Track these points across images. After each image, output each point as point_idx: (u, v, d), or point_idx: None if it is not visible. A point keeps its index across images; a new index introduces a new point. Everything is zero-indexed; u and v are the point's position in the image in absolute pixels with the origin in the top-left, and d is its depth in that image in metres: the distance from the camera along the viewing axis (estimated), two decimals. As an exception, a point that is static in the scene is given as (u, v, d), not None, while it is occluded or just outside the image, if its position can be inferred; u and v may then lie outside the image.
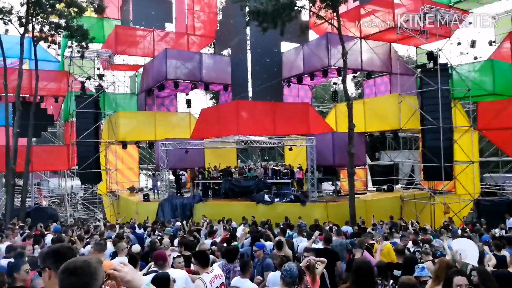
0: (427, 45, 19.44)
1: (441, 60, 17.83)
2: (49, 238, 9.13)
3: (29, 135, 19.71)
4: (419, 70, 18.39)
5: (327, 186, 21.26)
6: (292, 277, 3.81)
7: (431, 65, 17.81)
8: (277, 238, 7.79)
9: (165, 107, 26.87)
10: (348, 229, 12.22)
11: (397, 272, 6.09)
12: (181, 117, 24.46)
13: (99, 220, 19.00)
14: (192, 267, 5.12)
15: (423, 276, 5.17)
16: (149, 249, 7.39)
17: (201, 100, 29.96)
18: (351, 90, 29.39)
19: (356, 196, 16.77)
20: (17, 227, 12.14)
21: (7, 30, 20.78)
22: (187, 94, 25.90)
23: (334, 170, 19.98)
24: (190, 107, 25.43)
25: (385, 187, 20.66)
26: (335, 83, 25.89)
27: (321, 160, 18.61)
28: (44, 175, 28.44)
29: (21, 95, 19.87)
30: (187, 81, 23.25)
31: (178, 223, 10.74)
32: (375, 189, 21.66)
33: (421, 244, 8.05)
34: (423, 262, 6.24)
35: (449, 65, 18.26)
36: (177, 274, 4.32)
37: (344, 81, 17.71)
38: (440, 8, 17.92)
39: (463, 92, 18.56)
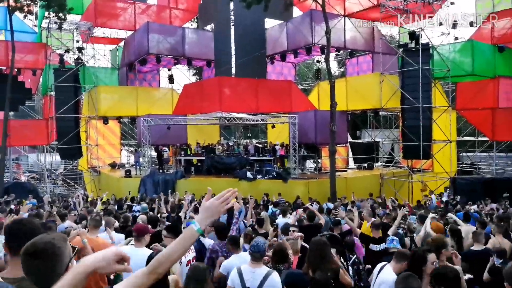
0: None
1: (423, 40, 18.03)
2: (25, 215, 9.01)
3: (6, 108, 19.21)
4: (401, 49, 18.55)
5: (309, 164, 21.58)
6: (260, 251, 3.94)
7: (413, 44, 17.99)
8: (261, 214, 7.94)
9: (147, 82, 26.46)
10: (329, 206, 12.53)
11: (373, 246, 6.30)
12: (164, 92, 24.18)
13: (78, 196, 18.87)
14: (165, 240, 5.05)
15: (391, 248, 5.43)
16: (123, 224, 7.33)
17: (184, 75, 29.54)
18: (334, 68, 29.40)
19: (337, 173, 17.10)
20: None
21: (-20, 0, 19.84)
22: (169, 70, 25.56)
23: (316, 147, 20.25)
24: (173, 82, 25.15)
25: (365, 165, 21.09)
26: (318, 61, 25.84)
27: (303, 138, 18.81)
28: (22, 150, 27.88)
29: (-4, 67, 19.28)
30: (170, 56, 22.90)
31: (144, 205, 10.59)
32: (355, 167, 22.12)
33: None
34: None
35: (430, 45, 18.46)
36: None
37: (327, 59, 17.76)
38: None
39: (443, 72, 18.84)
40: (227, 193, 1.91)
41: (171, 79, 24.97)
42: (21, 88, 22.27)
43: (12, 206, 10.98)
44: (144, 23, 22.54)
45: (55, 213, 8.55)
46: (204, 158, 19.15)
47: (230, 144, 22.84)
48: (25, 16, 21.12)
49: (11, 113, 20.98)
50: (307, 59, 27.43)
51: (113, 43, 27.32)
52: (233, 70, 23.85)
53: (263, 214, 7.88)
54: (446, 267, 3.55)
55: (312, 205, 11.57)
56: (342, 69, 30.46)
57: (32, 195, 15.46)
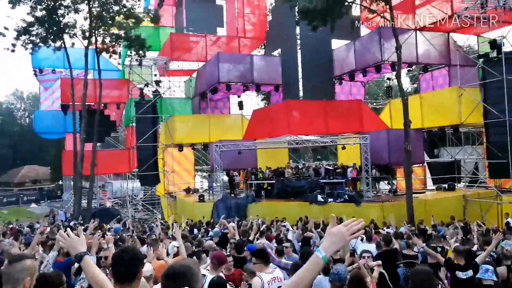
0: (489, 33, 18.17)
1: (505, 48, 16.66)
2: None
3: (94, 140, 21.16)
4: (481, 60, 17.31)
5: (383, 186, 20.57)
6: (341, 280, 3.78)
7: (494, 54, 16.68)
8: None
9: (218, 109, 27.54)
10: (405, 230, 11.76)
11: (459, 274, 5.76)
12: (234, 118, 24.92)
13: (157, 220, 19.87)
14: (251, 266, 5.08)
15: (486, 278, 4.85)
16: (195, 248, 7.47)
17: (252, 101, 30.31)
18: (406, 84, 28.25)
19: (414, 195, 16.08)
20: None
21: (73, 44, 22.42)
22: (239, 96, 26.34)
23: (390, 168, 19.29)
24: (242, 108, 25.85)
25: (446, 185, 19.51)
26: (388, 79, 24.92)
27: (376, 159, 18.08)
28: (107, 177, 30.32)
29: (86, 103, 21.41)
30: (239, 83, 23.63)
31: (216, 229, 10.66)
32: (435, 188, 20.57)
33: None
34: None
35: (515, 53, 16.93)
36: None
37: (398, 76, 17.06)
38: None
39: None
40: (354, 222, 1.87)
41: (240, 105, 25.72)
42: (107, 121, 24.55)
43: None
44: (214, 53, 23.68)
45: (135, 237, 9.08)
46: (274, 182, 19.20)
47: (300, 167, 22.67)
48: (110, 56, 23.39)
49: (98, 144, 22.99)
50: (377, 77, 26.65)
51: (187, 75, 29.05)
52: (301, 93, 23.91)
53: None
54: None
55: (386, 230, 10.94)
56: (415, 85, 29.08)
57: (116, 220, 16.60)
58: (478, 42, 19.57)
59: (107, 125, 25.04)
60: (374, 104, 27.95)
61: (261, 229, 10.44)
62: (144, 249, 7.72)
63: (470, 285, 5.24)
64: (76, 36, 21.49)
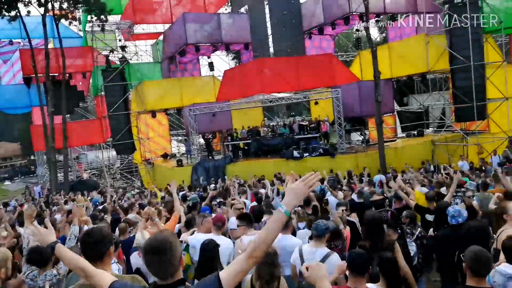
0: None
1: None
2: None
3: (63, 112, 20.58)
4: (446, 5, 17.43)
5: (356, 137, 21.18)
6: (318, 230, 4.06)
7: (459, -1, 16.85)
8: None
9: (188, 72, 27.03)
10: (380, 177, 12.32)
11: (429, 217, 6.17)
12: (205, 80, 24.58)
13: (136, 188, 19.94)
14: (238, 230, 5.22)
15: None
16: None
17: (223, 61, 29.87)
18: (375, 35, 28.29)
19: (385, 144, 16.70)
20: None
21: (28, 12, 21.11)
22: (209, 57, 25.87)
23: (362, 120, 19.80)
24: (213, 70, 25.46)
25: (415, 132, 20.32)
26: (357, 30, 24.83)
27: (348, 111, 18.47)
28: (81, 149, 29.81)
29: (50, 74, 20.56)
30: (208, 44, 23.11)
31: (194, 195, 10.86)
32: (405, 135, 21.38)
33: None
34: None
35: (479, -2, 17.18)
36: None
37: (367, 27, 17.13)
38: None
39: (495, 25, 17.49)
40: (311, 176, 1.96)
41: (211, 66, 25.31)
42: (74, 92, 23.70)
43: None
44: (180, 14, 22.89)
45: (118, 207, 9.17)
46: (250, 141, 19.42)
47: (274, 124, 22.91)
48: (70, 23, 22.24)
49: (67, 115, 22.38)
50: (346, 29, 26.57)
51: (153, 38, 28.11)
52: (271, 50, 23.68)
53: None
54: None
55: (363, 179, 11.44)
56: (383, 35, 29.22)
57: (96, 191, 16.57)
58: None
59: (75, 95, 24.15)
60: (344, 56, 28.06)
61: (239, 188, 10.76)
62: (131, 216, 7.85)
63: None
64: (31, 4, 20.25)
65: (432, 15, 19.00)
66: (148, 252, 2.01)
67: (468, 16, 16.13)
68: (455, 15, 16.56)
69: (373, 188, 9.14)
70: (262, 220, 5.53)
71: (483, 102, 16.63)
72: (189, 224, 5.57)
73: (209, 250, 3.77)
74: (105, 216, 7.53)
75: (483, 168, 12.19)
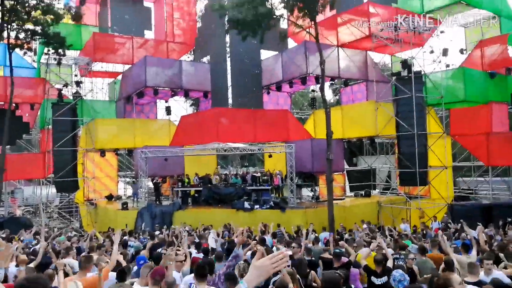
0: (401, 53, 20.02)
1: (415, 68, 18.42)
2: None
3: (3, 143, 19.30)
4: (394, 78, 18.91)
5: (306, 192, 21.51)
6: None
7: (405, 73, 18.37)
8: (255, 248, 7.81)
9: (144, 114, 26.68)
10: (325, 235, 12.42)
11: (374, 280, 6.23)
12: (161, 124, 24.33)
13: (72, 229, 18.67)
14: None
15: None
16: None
17: (181, 106, 29.88)
18: (329, 96, 29.87)
19: (334, 202, 17.04)
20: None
21: (-19, 37, 20.27)
22: (166, 101, 25.80)
23: (313, 176, 20.25)
24: (170, 114, 25.32)
25: (362, 192, 21.03)
26: (313, 90, 26.23)
27: (300, 167, 18.84)
28: (18, 183, 27.74)
29: (-5, 102, 19.49)
30: (167, 88, 23.16)
31: (137, 243, 10.33)
32: (353, 194, 22.04)
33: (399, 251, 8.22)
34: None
35: (422, 73, 18.84)
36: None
37: (322, 89, 18.05)
38: (414, 17, 18.48)
39: (436, 99, 19.17)
40: (280, 255, 1.88)
41: (168, 110, 25.19)
42: (18, 123, 22.47)
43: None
44: (142, 57, 22.95)
45: (50, 250, 8.43)
46: (201, 188, 19.10)
47: (227, 173, 22.81)
48: (25, 53, 21.54)
49: (8, 147, 20.99)
50: (303, 89, 27.83)
51: (111, 77, 27.77)
52: (230, 101, 24.14)
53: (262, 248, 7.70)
54: None
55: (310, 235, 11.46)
56: (337, 97, 30.89)
57: (27, 230, 15.27)
58: (391, 61, 21.39)
59: (19, 126, 22.85)
60: (300, 113, 29.14)
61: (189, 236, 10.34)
62: (73, 263, 7.20)
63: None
64: (-15, 30, 19.49)
65: (381, 84, 20.52)
66: None
67: (413, 88, 17.55)
68: (401, 86, 17.97)
69: (319, 245, 9.16)
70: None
71: (424, 169, 17.67)
72: (123, 274, 5.20)
73: None
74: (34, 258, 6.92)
75: (424, 232, 12.70)
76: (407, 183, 18.92)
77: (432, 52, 21.90)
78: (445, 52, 21.79)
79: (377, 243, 7.09)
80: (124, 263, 5.87)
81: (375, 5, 19.74)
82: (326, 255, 7.91)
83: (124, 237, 12.08)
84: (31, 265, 6.42)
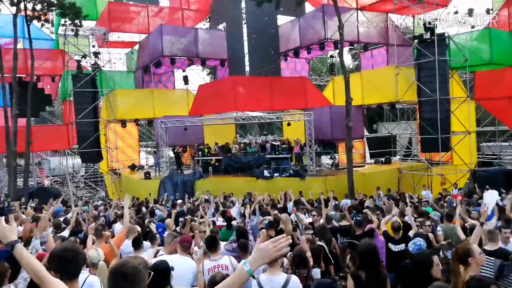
0: (424, 14, 19.19)
1: (438, 30, 17.71)
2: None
3: (28, 115, 19.75)
4: (416, 41, 18.28)
5: (326, 160, 21.52)
6: None
7: (428, 35, 17.68)
8: (271, 216, 7.94)
9: (162, 84, 26.78)
10: (347, 202, 12.52)
11: (391, 246, 6.29)
12: (179, 94, 24.43)
13: (100, 199, 19.32)
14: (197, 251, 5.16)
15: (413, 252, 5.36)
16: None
17: (198, 75, 29.80)
18: (348, 62, 29.19)
19: (354, 169, 17.04)
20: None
21: (-1, 10, 20.42)
22: (184, 71, 25.76)
23: (332, 143, 20.18)
24: (188, 83, 25.36)
25: (383, 159, 20.89)
26: (332, 56, 25.60)
27: (319, 134, 18.77)
28: (44, 154, 28.62)
29: (17, 75, 19.78)
30: (184, 57, 23.04)
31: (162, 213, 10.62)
32: (373, 161, 21.93)
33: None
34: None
35: (446, 35, 18.11)
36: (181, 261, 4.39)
37: (341, 54, 17.66)
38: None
39: (460, 62, 18.50)
40: (282, 239, 1.92)
41: (185, 80, 25.20)
42: (41, 95, 22.88)
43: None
44: (157, 25, 22.78)
45: (81, 219, 8.78)
46: (221, 157, 19.32)
47: (247, 142, 22.94)
48: (42, 25, 21.60)
49: (32, 119, 21.51)
50: (321, 54, 27.26)
51: (128, 47, 27.74)
52: (247, 69, 23.91)
53: (283, 215, 7.79)
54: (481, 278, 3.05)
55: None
56: (356, 63, 30.18)
57: (55, 199, 15.88)
58: (414, 23, 20.57)
59: (42, 99, 23.29)
60: (318, 80, 28.70)
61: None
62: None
63: (400, 257, 5.79)
64: (3, 2, 19.54)
65: (402, 48, 19.87)
66: (116, 276, 1.97)
67: (436, 52, 16.95)
68: (423, 50, 17.38)
69: (339, 212, 9.25)
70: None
71: (447, 135, 17.35)
72: (138, 242, 5.30)
73: (159, 271, 3.60)
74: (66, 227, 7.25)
75: (447, 199, 12.63)
76: (429, 149, 18.65)
77: (456, 12, 20.90)
78: (470, 12, 20.76)
79: (399, 210, 7.10)
80: (138, 229, 6.10)
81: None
82: (344, 222, 8.00)
83: (151, 205, 12.47)
84: (65, 232, 6.72)
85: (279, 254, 1.92)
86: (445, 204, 11.04)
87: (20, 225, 7.49)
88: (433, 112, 17.09)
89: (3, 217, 2.42)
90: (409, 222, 6.94)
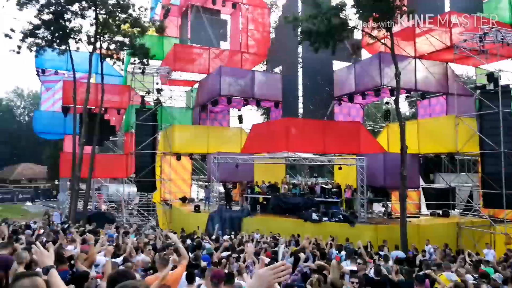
0: (486, 65, 18.65)
1: (502, 81, 17.07)
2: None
3: (93, 144, 21.29)
4: (478, 91, 17.69)
5: (378, 208, 20.79)
6: None
7: (491, 86, 17.09)
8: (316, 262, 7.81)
9: (218, 121, 27.80)
10: (398, 254, 11.96)
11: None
12: (233, 131, 25.14)
13: (152, 228, 19.91)
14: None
15: None
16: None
17: (252, 115, 30.64)
18: (404, 109, 28.66)
19: (408, 219, 16.27)
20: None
21: (78, 48, 22.67)
22: (239, 110, 26.63)
23: (385, 191, 19.53)
24: (242, 122, 26.08)
25: (440, 211, 19.75)
26: (387, 103, 25.34)
27: (371, 181, 18.29)
28: (104, 181, 30.31)
29: (87, 107, 21.59)
30: (240, 98, 23.92)
31: (209, 245, 10.68)
32: (429, 213, 20.83)
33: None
34: None
35: (511, 87, 17.36)
36: None
37: (397, 102, 17.41)
38: (501, 28, 17.17)
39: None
40: (281, 266, 1.94)
41: (240, 119, 25.97)
42: (107, 126, 24.73)
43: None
44: (217, 67, 24.02)
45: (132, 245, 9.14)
46: (270, 196, 19.36)
47: (296, 183, 22.84)
48: (114, 63, 23.64)
49: (97, 147, 23.10)
50: (376, 100, 27.06)
51: (188, 85, 29.35)
52: (300, 111, 24.26)
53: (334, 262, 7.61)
54: None
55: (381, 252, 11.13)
56: (413, 110, 29.54)
57: (110, 224, 16.63)
58: (476, 73, 20.01)
59: (107, 129, 25.21)
60: (372, 126, 28.33)
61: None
62: (141, 257, 7.83)
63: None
64: (81, 41, 21.76)
65: (463, 98, 19.26)
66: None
67: (500, 103, 16.25)
68: (486, 101, 16.72)
69: (389, 263, 8.87)
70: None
71: (512, 191, 16.21)
72: (192, 276, 5.39)
73: None
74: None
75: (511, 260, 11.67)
76: (492, 205, 17.37)
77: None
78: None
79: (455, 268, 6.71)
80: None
81: (458, 14, 18.67)
82: (393, 275, 7.66)
83: (198, 239, 12.64)
84: (119, 259, 7.05)
85: (278, 280, 1.93)
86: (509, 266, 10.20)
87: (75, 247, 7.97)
88: (497, 166, 16.14)
89: (40, 244, 2.73)
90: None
